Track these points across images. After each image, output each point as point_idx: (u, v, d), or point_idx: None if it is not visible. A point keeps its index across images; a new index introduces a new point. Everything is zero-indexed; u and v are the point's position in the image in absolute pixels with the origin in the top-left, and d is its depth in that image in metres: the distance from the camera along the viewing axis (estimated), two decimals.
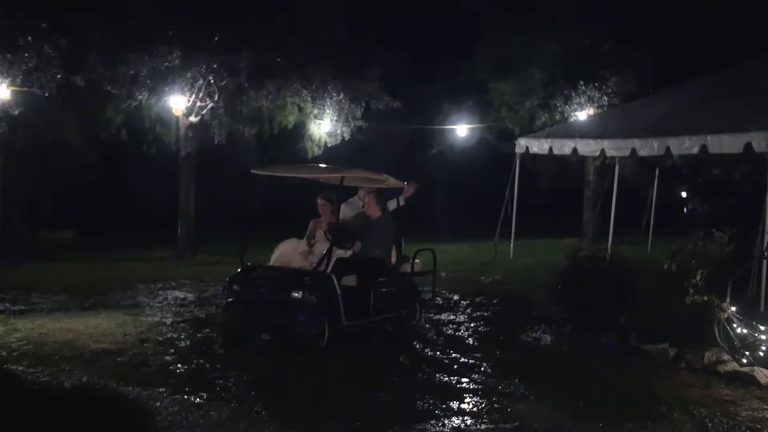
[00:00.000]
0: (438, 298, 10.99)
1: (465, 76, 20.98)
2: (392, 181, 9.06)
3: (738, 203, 10.01)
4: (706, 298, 7.35)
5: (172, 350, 7.92)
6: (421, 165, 25.02)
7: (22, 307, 10.21)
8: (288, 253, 8.79)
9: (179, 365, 7.34)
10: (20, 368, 7.06)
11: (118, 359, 7.53)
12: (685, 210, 16.34)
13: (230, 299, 8.30)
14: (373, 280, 8.49)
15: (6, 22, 12.73)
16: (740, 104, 10.64)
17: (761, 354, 7.08)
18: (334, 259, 8.13)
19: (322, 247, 8.47)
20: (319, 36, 16.36)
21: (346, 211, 9.29)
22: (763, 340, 7.13)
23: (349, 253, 8.57)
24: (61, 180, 20.48)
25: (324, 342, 7.78)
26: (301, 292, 7.76)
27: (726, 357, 7.32)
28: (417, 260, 9.28)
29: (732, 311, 7.25)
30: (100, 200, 22.55)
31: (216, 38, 14.62)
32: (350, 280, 8.32)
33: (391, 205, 9.53)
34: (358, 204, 9.41)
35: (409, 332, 8.95)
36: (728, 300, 7.26)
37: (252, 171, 8.95)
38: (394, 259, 9.14)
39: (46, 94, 13.54)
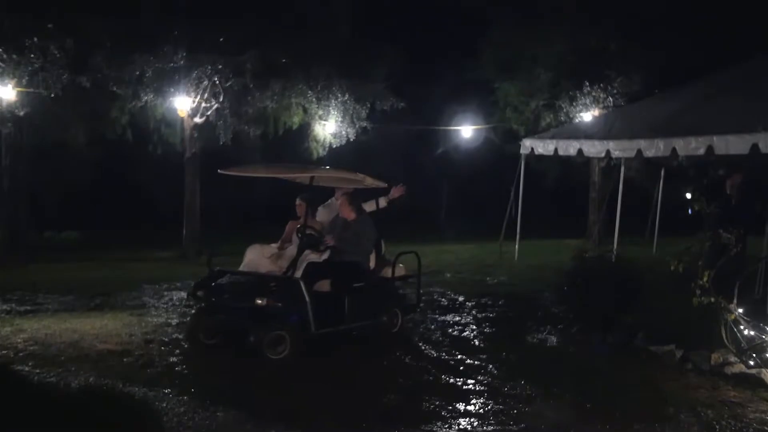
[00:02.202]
0: (433, 303, 10.97)
1: (470, 75, 20.96)
2: (369, 181, 8.72)
3: (729, 208, 9.99)
4: (712, 300, 7.32)
5: (178, 351, 7.92)
6: (427, 165, 25.06)
7: (28, 308, 10.23)
8: (256, 257, 8.43)
9: (185, 366, 7.34)
10: (26, 369, 7.06)
11: (124, 360, 7.54)
12: (689, 211, 16.31)
13: (198, 306, 8.08)
14: (348, 286, 8.13)
15: (12, 22, 12.76)
16: (747, 103, 10.57)
17: None
18: (305, 263, 7.85)
19: (293, 250, 8.18)
20: (325, 36, 16.36)
21: (323, 214, 9.07)
22: None
23: (323, 257, 8.22)
24: (67, 180, 20.52)
25: (286, 351, 7.40)
26: (265, 299, 7.49)
27: (733, 359, 7.29)
28: (401, 264, 8.92)
29: (739, 313, 7.22)
30: (106, 200, 22.60)
31: (221, 39, 14.64)
32: (324, 286, 8.00)
33: (371, 206, 9.23)
34: (337, 205, 9.08)
35: (391, 339, 8.59)
36: (735, 301, 7.23)
37: (219, 171, 8.70)
38: (373, 263, 8.76)
39: (52, 95, 13.57)
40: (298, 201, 8.98)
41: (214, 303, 7.95)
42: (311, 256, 8.05)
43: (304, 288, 7.56)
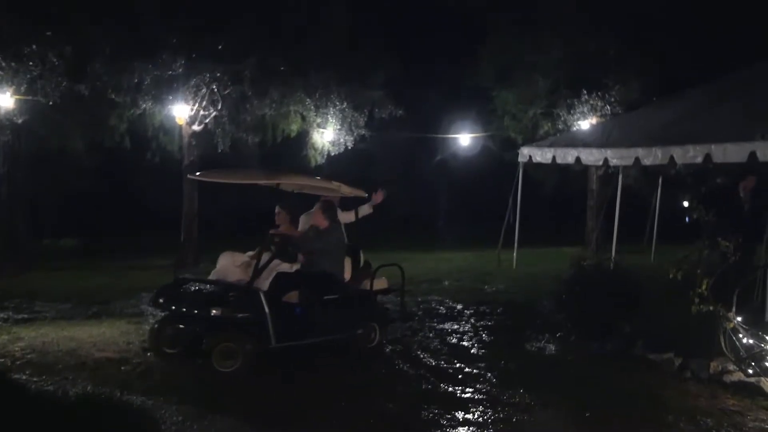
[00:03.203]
0: (431, 312, 10.95)
1: (468, 81, 20.99)
2: (345, 190, 8.59)
3: (742, 213, 9.98)
4: (711, 308, 7.32)
5: (176, 360, 7.89)
6: (425, 173, 25.12)
7: (26, 316, 10.21)
8: (226, 265, 8.25)
9: (183, 375, 7.32)
10: (24, 377, 7.05)
11: (122, 368, 7.51)
12: (686, 219, 16.32)
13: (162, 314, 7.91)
14: (317, 297, 7.89)
15: (11, 30, 12.77)
16: (745, 111, 10.60)
17: (767, 364, 7.04)
18: (274, 273, 7.70)
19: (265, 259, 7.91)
20: (323, 44, 16.39)
21: (306, 223, 8.86)
22: None
23: (295, 267, 8.05)
24: (65, 187, 20.52)
25: (238, 365, 7.21)
26: (220, 309, 7.28)
27: (732, 367, 7.29)
28: (383, 277, 8.71)
29: (738, 321, 7.22)
30: (104, 208, 22.61)
31: (220, 47, 14.66)
32: (294, 297, 7.81)
33: (350, 216, 9.12)
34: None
35: (368, 354, 8.32)
36: (734, 310, 7.23)
37: (189, 176, 8.61)
38: (348, 275, 8.52)
39: (51, 102, 13.57)
40: (277, 209, 8.75)
41: (174, 311, 7.77)
42: (283, 266, 7.91)
43: (263, 299, 7.37)
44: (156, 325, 8.01)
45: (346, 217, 9.07)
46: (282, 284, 7.73)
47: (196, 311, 7.47)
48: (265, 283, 7.68)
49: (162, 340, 7.80)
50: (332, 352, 8.10)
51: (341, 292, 8.20)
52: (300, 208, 9.03)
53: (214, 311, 7.29)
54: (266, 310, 7.34)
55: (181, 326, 7.72)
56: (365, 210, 9.23)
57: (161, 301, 7.85)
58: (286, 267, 7.97)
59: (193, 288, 7.93)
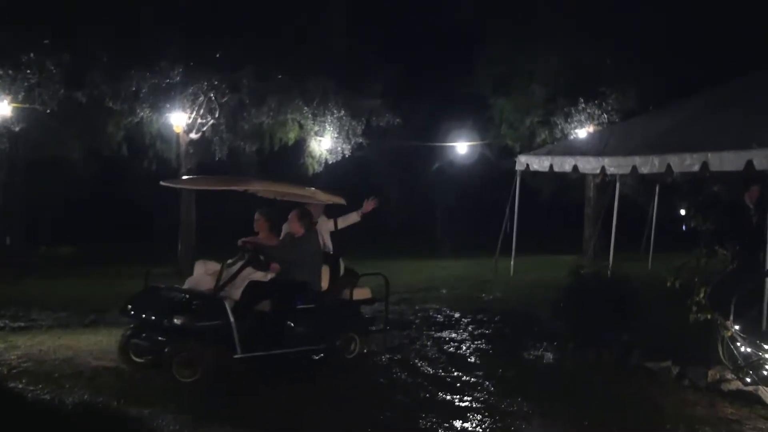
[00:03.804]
0: (429, 320, 10.92)
1: (465, 90, 21.03)
2: (321, 196, 8.44)
3: (752, 224, 9.93)
4: (709, 316, 7.32)
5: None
6: (423, 181, 25.14)
7: (22, 324, 10.16)
8: (199, 274, 8.07)
9: (180, 383, 7.28)
10: (20, 386, 7.01)
11: (119, 377, 7.48)
12: (683, 227, 16.35)
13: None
14: (289, 306, 7.75)
15: (9, 38, 12.78)
16: (742, 119, 10.65)
17: (765, 373, 7.04)
18: (246, 282, 7.58)
19: (237, 267, 7.81)
20: (320, 52, 16.41)
21: (287, 230, 8.69)
22: (767, 359, 7.09)
23: (270, 276, 7.91)
24: (63, 195, 20.50)
25: (198, 374, 7.07)
26: (182, 318, 7.17)
27: (730, 375, 7.28)
28: (366, 287, 8.58)
29: (735, 329, 7.22)
30: (102, 216, 22.58)
31: (217, 55, 14.68)
32: (266, 306, 7.70)
33: (345, 221, 9.01)
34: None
35: (348, 365, 8.19)
36: (732, 318, 7.23)
37: (161, 183, 8.42)
38: (326, 284, 8.26)
39: (48, 110, 13.57)
40: (257, 215, 8.51)
41: (141, 320, 7.69)
42: (257, 275, 7.80)
43: (228, 307, 7.24)
44: (125, 334, 7.84)
45: (330, 225, 8.98)
46: (254, 293, 7.59)
47: (159, 320, 7.36)
48: (237, 291, 7.56)
49: (130, 349, 7.65)
50: (329, 361, 8.07)
51: (316, 302, 7.99)
52: (284, 216, 8.74)
53: (176, 320, 7.18)
54: (231, 319, 7.20)
55: (145, 335, 7.57)
56: (353, 218, 9.13)
57: (129, 309, 7.73)
58: (260, 276, 7.84)
59: (161, 296, 7.82)
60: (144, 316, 7.60)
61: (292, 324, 7.76)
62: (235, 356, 7.26)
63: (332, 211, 9.22)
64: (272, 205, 8.91)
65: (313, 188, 8.54)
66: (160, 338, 7.33)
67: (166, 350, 7.17)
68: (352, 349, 8.38)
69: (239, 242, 8.10)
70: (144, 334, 7.55)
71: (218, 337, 7.24)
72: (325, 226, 9.01)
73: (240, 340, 7.23)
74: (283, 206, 8.73)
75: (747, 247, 8.20)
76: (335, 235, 9.14)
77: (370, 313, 9.20)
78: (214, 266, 7.99)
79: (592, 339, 8.58)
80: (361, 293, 8.53)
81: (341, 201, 8.83)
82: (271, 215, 8.49)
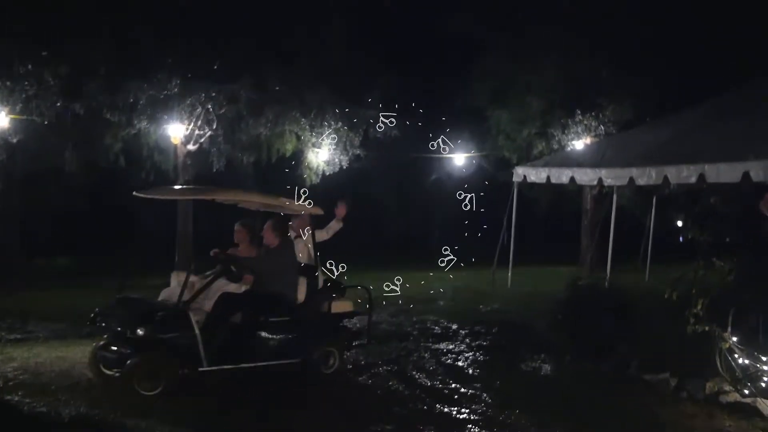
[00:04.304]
0: (426, 331, 10.88)
1: (463, 102, 21.06)
2: (295, 206, 8.29)
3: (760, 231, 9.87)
4: (707, 328, 7.32)
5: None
6: (420, 192, 25.13)
7: (18, 336, 10.12)
8: (174, 286, 7.98)
9: (178, 396, 7.25)
10: (16, 398, 6.97)
11: (116, 389, 7.44)
12: (680, 239, 16.36)
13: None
14: (262, 319, 7.59)
15: (6, 49, 12.79)
16: (739, 130, 10.67)
17: (763, 385, 7.03)
18: (218, 293, 7.49)
19: (219, 281, 7.72)
20: (318, 63, 16.44)
21: None
22: (765, 371, 7.08)
23: (244, 287, 7.81)
24: (59, 206, 20.46)
25: (160, 389, 6.96)
26: (144, 329, 7.06)
27: (728, 387, 7.27)
28: (348, 300, 8.42)
29: (733, 341, 7.22)
30: (99, 227, 22.52)
31: (215, 66, 14.70)
32: (239, 318, 7.55)
33: (329, 231, 8.98)
34: (290, 234, 8.67)
35: (327, 379, 8.01)
36: (729, 330, 7.23)
37: (134, 193, 8.31)
38: (302, 296, 8.07)
39: (46, 122, 13.57)
40: (237, 227, 8.41)
41: (110, 331, 7.57)
42: (230, 287, 7.72)
43: (192, 319, 7.14)
44: (96, 346, 7.73)
45: (319, 235, 8.92)
46: (226, 305, 7.47)
47: (123, 331, 7.27)
48: (208, 303, 7.48)
49: (99, 361, 7.52)
50: (323, 371, 7.99)
51: (292, 314, 7.81)
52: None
53: (138, 331, 7.09)
54: (196, 330, 7.10)
55: (112, 348, 7.45)
56: (335, 226, 9.10)
57: (97, 320, 7.67)
58: (233, 287, 7.74)
59: (128, 307, 7.71)
60: (110, 327, 7.54)
61: (265, 337, 7.62)
62: (201, 369, 7.14)
63: (321, 223, 9.20)
64: (254, 216, 8.82)
65: (285, 198, 8.37)
66: (126, 350, 7.21)
67: (127, 362, 7.07)
68: (330, 363, 8.15)
69: (211, 253, 8.02)
70: (112, 347, 7.46)
71: (182, 349, 7.13)
72: (317, 237, 8.88)
73: (207, 353, 7.13)
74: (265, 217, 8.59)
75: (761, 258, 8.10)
76: (321, 246, 9.06)
77: (358, 325, 9.13)
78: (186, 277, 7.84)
79: (589, 351, 8.57)
80: (341, 306, 8.33)
81: (318, 212, 8.67)
82: (252, 226, 8.37)
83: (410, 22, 23.11)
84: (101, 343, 7.62)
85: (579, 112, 17.29)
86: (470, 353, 9.47)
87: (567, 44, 17.53)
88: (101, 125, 14.94)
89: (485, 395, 7.48)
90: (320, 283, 8.40)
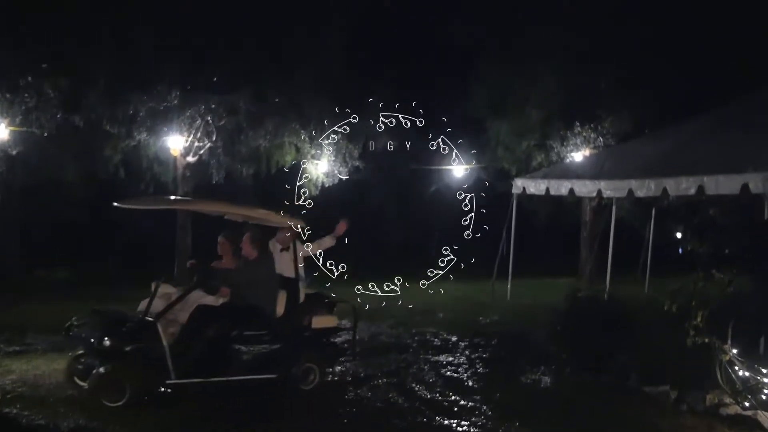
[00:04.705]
0: (426, 343, 10.85)
1: (462, 113, 21.07)
2: (275, 219, 8.22)
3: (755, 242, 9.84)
4: (706, 340, 7.31)
5: (169, 393, 7.80)
6: (420, 204, 25.11)
7: (17, 348, 10.09)
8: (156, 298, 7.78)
9: (174, 409, 7.24)
10: (15, 411, 6.96)
11: (114, 402, 7.42)
12: (680, 250, 16.33)
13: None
14: (237, 332, 7.50)
15: (6, 61, 12.83)
16: (738, 142, 10.69)
17: (764, 398, 7.02)
18: (194, 305, 7.40)
19: (195, 293, 7.65)
20: (318, 75, 16.47)
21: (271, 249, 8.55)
22: (765, 384, 7.07)
23: (221, 300, 7.70)
24: (59, 218, 20.45)
25: (125, 399, 6.90)
26: (111, 340, 7.01)
27: (728, 400, 7.27)
28: (333, 315, 8.29)
29: (733, 353, 7.21)
30: (98, 239, 22.51)
31: (215, 78, 14.74)
32: (214, 330, 7.43)
33: (320, 245, 8.98)
34: (276, 246, 8.66)
35: (305, 395, 7.82)
36: (729, 342, 7.22)
37: (114, 204, 8.22)
38: (281, 309, 7.90)
39: (45, 134, 13.59)
40: (220, 239, 8.32)
41: (82, 342, 7.50)
42: (207, 299, 7.65)
43: (160, 330, 7.05)
44: (71, 356, 7.73)
45: (313, 248, 8.93)
46: (201, 317, 7.37)
47: (93, 342, 7.22)
48: (183, 315, 7.42)
49: (74, 372, 7.51)
50: (305, 388, 7.88)
51: (269, 328, 7.70)
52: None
53: (105, 341, 7.04)
54: (164, 342, 7.01)
55: (84, 359, 7.46)
56: (328, 242, 9.09)
57: (70, 331, 7.65)
58: (210, 300, 7.67)
59: (100, 319, 7.70)
60: (83, 339, 7.50)
61: (241, 350, 7.53)
62: (168, 381, 7.07)
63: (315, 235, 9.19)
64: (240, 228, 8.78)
65: (264, 210, 8.31)
66: (95, 361, 7.20)
67: (93, 372, 7.04)
68: (311, 379, 7.95)
69: (188, 264, 7.99)
70: (83, 358, 7.46)
71: (149, 360, 7.08)
72: (312, 249, 8.92)
73: (176, 365, 7.04)
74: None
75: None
76: (310, 259, 9.02)
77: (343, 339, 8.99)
78: (166, 289, 7.83)
79: (589, 362, 8.56)
80: (323, 321, 8.19)
81: (299, 223, 8.61)
82: (235, 239, 8.26)
83: (410, 34, 23.19)
84: (77, 353, 7.63)
85: (578, 123, 17.32)
86: (470, 365, 9.45)
87: (565, 56, 17.56)
88: (101, 137, 14.97)
89: (485, 407, 7.47)
90: (302, 297, 8.25)
